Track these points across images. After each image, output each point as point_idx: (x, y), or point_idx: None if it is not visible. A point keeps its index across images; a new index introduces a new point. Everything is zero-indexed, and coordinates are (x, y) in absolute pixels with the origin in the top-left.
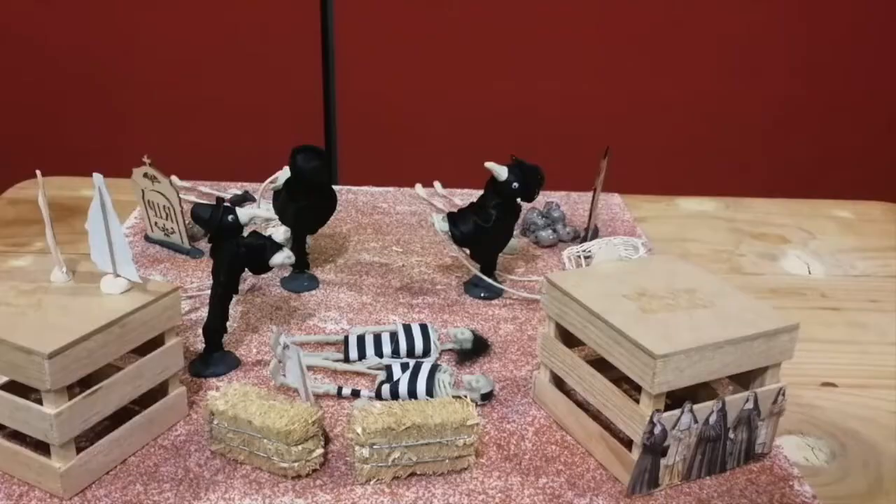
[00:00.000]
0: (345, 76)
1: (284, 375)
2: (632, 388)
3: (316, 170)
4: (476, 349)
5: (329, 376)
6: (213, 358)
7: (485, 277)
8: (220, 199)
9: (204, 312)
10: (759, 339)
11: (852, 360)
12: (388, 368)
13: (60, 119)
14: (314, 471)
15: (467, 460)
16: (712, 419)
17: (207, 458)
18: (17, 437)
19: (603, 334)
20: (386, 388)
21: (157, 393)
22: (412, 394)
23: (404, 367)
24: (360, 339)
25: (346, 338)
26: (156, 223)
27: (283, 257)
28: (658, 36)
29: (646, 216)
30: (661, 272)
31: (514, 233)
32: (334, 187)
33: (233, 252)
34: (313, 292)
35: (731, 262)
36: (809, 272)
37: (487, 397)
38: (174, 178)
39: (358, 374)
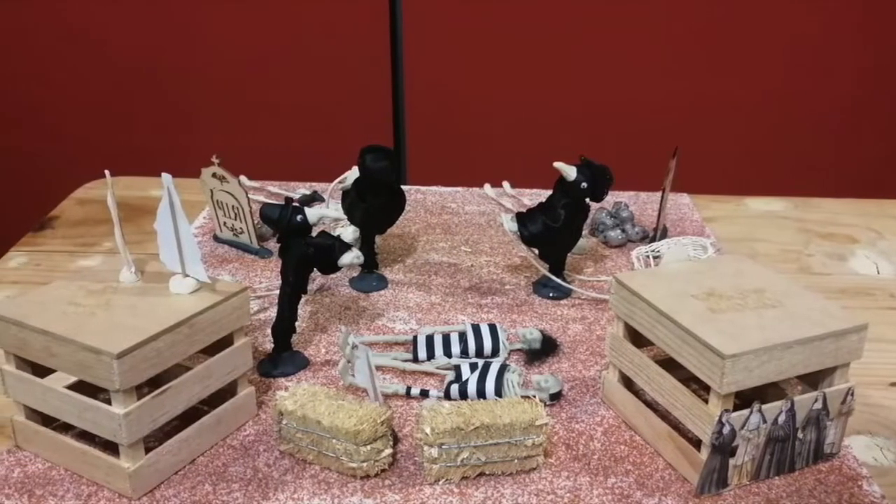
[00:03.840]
0: (414, 76)
1: (353, 375)
2: (700, 388)
3: (385, 170)
4: (545, 349)
5: (398, 376)
6: (281, 358)
7: (553, 277)
8: (288, 199)
9: (273, 312)
10: (828, 339)
11: None
12: (457, 368)
13: (129, 119)
14: (383, 471)
15: (536, 460)
16: (781, 419)
17: (276, 458)
18: (85, 436)
19: (671, 334)
20: (455, 388)
21: (226, 393)
22: (481, 394)
23: (473, 367)
24: (429, 339)
25: (415, 338)
26: (224, 223)
27: (352, 257)
28: (727, 36)
29: (714, 216)
30: (729, 272)
31: (583, 233)
32: (403, 187)
33: (301, 252)
34: (382, 292)
35: (800, 262)
36: (878, 272)
37: (556, 397)
38: (243, 177)
39: (426, 374)
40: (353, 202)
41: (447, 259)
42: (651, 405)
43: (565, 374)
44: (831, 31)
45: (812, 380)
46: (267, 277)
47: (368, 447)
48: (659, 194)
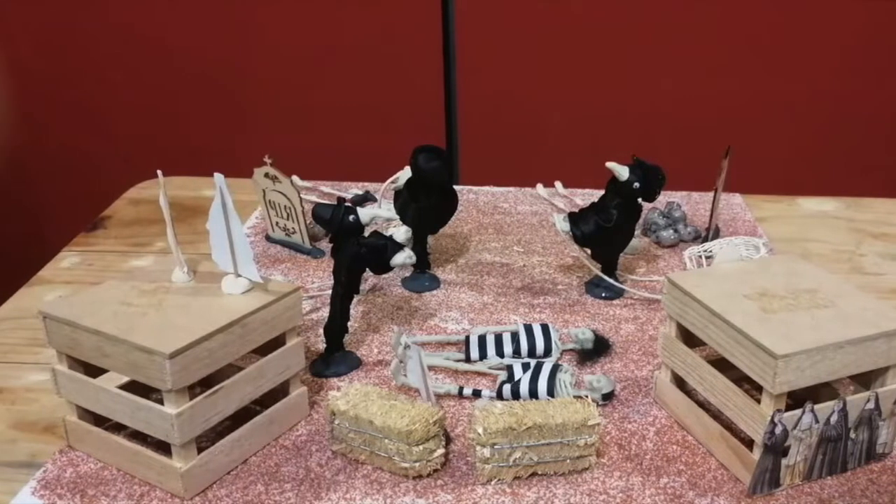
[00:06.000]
0: (466, 76)
1: (406, 375)
2: (752, 388)
3: (437, 170)
4: (597, 349)
5: (450, 376)
6: (334, 358)
7: (606, 277)
8: (341, 199)
9: (325, 312)
10: (881, 339)
11: None
12: (510, 368)
13: (181, 119)
14: (435, 471)
15: (588, 460)
16: (833, 419)
17: (328, 458)
18: (138, 436)
19: (724, 334)
20: (507, 388)
21: (279, 393)
22: (533, 394)
23: (525, 366)
24: (482, 339)
25: (468, 338)
26: (277, 223)
27: (405, 257)
28: (779, 35)
29: (767, 216)
30: (781, 272)
31: (636, 233)
32: (455, 187)
33: (354, 252)
34: (434, 292)
35: (852, 263)
36: None
37: (608, 397)
38: (295, 177)
39: (479, 374)
40: (405, 202)
41: (499, 259)
42: (703, 405)
43: (618, 374)
44: (884, 30)
45: (864, 380)
46: (319, 277)
47: (421, 447)
48: (711, 194)
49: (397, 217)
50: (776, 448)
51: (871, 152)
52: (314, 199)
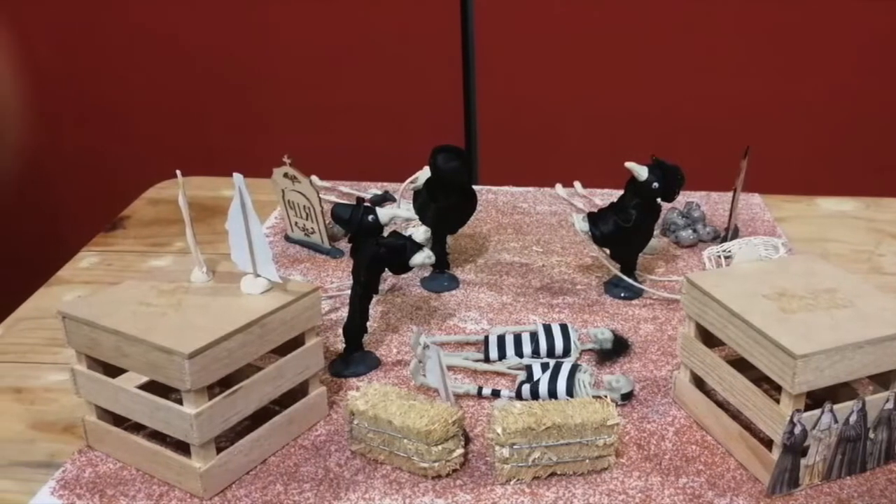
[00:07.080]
0: (485, 76)
1: (425, 375)
2: (772, 388)
3: (456, 170)
4: (616, 349)
5: (469, 376)
6: (353, 358)
7: (625, 277)
8: (360, 199)
9: (344, 312)
10: None
11: None
12: (529, 368)
13: (200, 119)
14: (454, 471)
15: (607, 460)
16: (852, 419)
17: (347, 458)
18: (157, 436)
19: (743, 334)
20: (526, 388)
21: (298, 393)
22: (552, 394)
23: (544, 366)
24: (501, 339)
25: (487, 338)
26: (296, 223)
27: (424, 257)
28: (798, 35)
29: (786, 216)
30: (800, 272)
31: (655, 233)
32: (474, 187)
33: (373, 252)
34: (453, 292)
35: (871, 263)
36: None
37: (627, 397)
38: (314, 177)
39: (498, 374)
40: (424, 202)
41: (518, 259)
42: (722, 405)
43: (637, 374)
44: None
45: (883, 380)
46: (338, 277)
47: (440, 447)
48: (730, 194)
49: (416, 217)
50: (795, 448)
51: (891, 152)
52: (333, 199)
